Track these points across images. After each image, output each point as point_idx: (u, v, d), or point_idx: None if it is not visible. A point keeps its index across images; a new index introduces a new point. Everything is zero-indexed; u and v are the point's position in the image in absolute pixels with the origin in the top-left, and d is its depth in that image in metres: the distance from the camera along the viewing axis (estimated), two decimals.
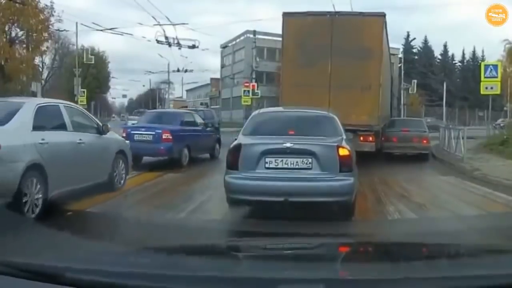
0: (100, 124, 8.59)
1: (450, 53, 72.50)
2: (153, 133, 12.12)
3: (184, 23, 36.52)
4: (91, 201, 7.41)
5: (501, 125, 30.79)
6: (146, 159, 12.59)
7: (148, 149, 12.08)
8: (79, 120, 7.90)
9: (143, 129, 12.45)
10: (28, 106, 6.86)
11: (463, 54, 72.98)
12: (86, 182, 7.59)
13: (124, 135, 11.45)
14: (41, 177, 6.33)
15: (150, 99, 62.98)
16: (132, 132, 12.32)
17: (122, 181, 8.73)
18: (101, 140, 8.19)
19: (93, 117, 9.00)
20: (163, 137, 12.10)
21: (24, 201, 5.98)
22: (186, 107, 29.75)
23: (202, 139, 13.92)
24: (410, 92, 46.37)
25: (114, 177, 8.41)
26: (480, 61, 51.24)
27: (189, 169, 12.20)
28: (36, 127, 6.64)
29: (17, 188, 5.87)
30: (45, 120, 6.95)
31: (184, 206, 7.54)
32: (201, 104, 71.31)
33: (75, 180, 7.25)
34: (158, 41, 28.38)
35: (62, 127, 7.30)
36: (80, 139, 7.54)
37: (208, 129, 14.97)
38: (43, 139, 6.58)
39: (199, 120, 14.84)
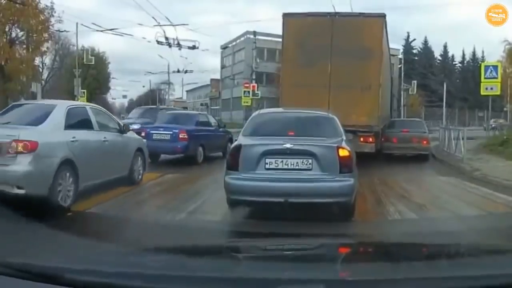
0: (121, 124, 9.41)
1: (450, 54, 72.69)
2: (171, 132, 13.01)
3: (184, 24, 36.57)
4: (96, 199, 7.68)
5: (492, 126, 30.53)
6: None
7: (165, 147, 13.03)
8: (103, 120, 8.57)
9: (161, 129, 13.30)
10: (60, 108, 7.59)
11: (463, 54, 73.16)
12: (110, 176, 8.33)
13: (143, 134, 12.16)
14: (72, 171, 7.04)
15: (150, 99, 62.88)
16: (151, 131, 13.17)
17: (140, 176, 9.46)
18: (122, 138, 8.93)
19: (115, 117, 9.73)
20: (180, 136, 12.95)
21: (58, 192, 6.67)
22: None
23: (215, 138, 14.66)
24: (410, 93, 46.44)
25: (134, 172, 9.15)
26: (480, 62, 51.26)
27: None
28: (67, 127, 7.36)
29: (53, 180, 6.55)
30: (75, 120, 7.65)
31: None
32: (201, 105, 71.35)
33: (101, 174, 7.99)
34: (158, 42, 28.41)
35: (89, 126, 7.99)
36: (105, 138, 8.24)
37: (221, 129, 15.78)
38: (74, 137, 7.29)
39: (212, 121, 15.94)
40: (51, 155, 6.75)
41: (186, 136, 12.92)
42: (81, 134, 7.55)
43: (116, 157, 8.50)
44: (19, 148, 6.38)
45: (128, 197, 8.27)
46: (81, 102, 9.41)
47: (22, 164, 6.34)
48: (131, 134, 9.52)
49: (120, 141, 8.78)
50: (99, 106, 9.89)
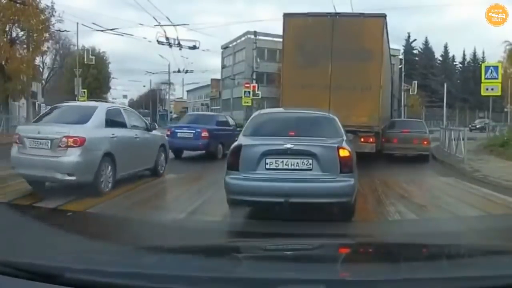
0: (148, 123, 10.73)
1: (450, 54, 72.73)
2: (194, 131, 14.56)
3: (184, 24, 36.57)
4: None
5: (477, 126, 30.21)
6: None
7: (189, 144, 14.55)
8: (133, 120, 9.82)
9: (185, 128, 14.88)
10: (101, 109, 8.84)
11: (464, 55, 73.18)
12: (140, 167, 9.78)
13: (168, 133, 14.37)
14: (112, 163, 8.30)
15: (151, 99, 62.99)
16: (176, 130, 14.89)
17: (163, 168, 10.76)
18: (149, 135, 10.20)
19: (142, 117, 10.91)
20: (202, 134, 14.42)
21: (101, 179, 7.97)
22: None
23: (233, 137, 15.46)
24: (410, 93, 46.41)
25: (158, 164, 10.44)
26: (480, 63, 51.30)
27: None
28: (107, 125, 8.57)
29: (97, 169, 7.85)
30: (112, 119, 8.86)
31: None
32: (202, 105, 71.31)
33: (133, 165, 9.34)
34: (158, 42, 28.39)
35: (123, 125, 9.22)
36: (136, 135, 9.52)
37: (238, 129, 16.66)
38: (113, 134, 8.57)
39: (231, 121, 17.28)
40: (96, 148, 8.02)
41: (207, 135, 14.41)
42: (118, 131, 8.78)
43: (145, 151, 9.83)
44: (70, 142, 7.66)
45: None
46: (115, 104, 11.59)
47: (72, 156, 7.64)
48: (155, 132, 10.84)
49: (147, 137, 10.04)
50: (130, 108, 11.24)
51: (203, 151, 14.76)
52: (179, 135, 14.54)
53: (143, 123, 10.24)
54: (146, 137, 9.95)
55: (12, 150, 8.13)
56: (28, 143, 7.88)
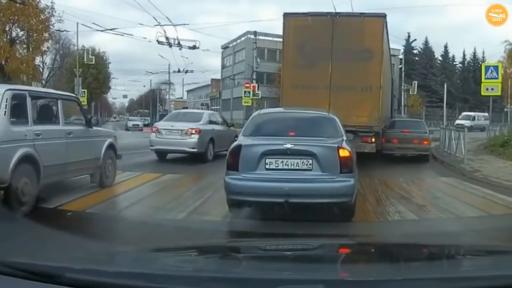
0: (228, 122, 17.37)
1: (450, 54, 72.54)
2: None
3: (184, 24, 36.60)
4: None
5: None
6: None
7: None
8: (221, 120, 16.38)
9: None
10: (206, 113, 15.91)
11: (464, 55, 73.05)
12: (223, 147, 13.70)
13: None
14: (213, 143, 14.23)
15: (151, 99, 62.97)
16: None
17: None
18: (229, 129, 16.41)
19: (223, 117, 18.02)
20: None
21: (208, 152, 13.96)
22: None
23: None
24: (410, 93, 46.44)
25: None
26: (480, 62, 51.31)
27: None
28: (209, 123, 14.75)
29: (206, 146, 13.93)
30: (211, 119, 15.17)
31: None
32: (202, 105, 71.34)
33: (221, 146, 14.14)
34: (159, 42, 28.35)
35: (217, 123, 15.52)
36: (223, 128, 15.76)
37: None
38: (213, 128, 14.71)
39: None
40: (206, 135, 13.94)
41: None
42: (215, 126, 14.96)
43: (227, 138, 14.54)
44: (193, 132, 13.61)
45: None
46: (212, 111, 21.66)
47: (194, 139, 13.57)
48: (232, 128, 17.03)
49: (228, 130, 16.18)
50: (218, 113, 19.69)
51: None
52: None
53: (225, 121, 16.84)
54: (227, 130, 16.11)
55: (151, 136, 14.13)
56: (164, 132, 13.87)
